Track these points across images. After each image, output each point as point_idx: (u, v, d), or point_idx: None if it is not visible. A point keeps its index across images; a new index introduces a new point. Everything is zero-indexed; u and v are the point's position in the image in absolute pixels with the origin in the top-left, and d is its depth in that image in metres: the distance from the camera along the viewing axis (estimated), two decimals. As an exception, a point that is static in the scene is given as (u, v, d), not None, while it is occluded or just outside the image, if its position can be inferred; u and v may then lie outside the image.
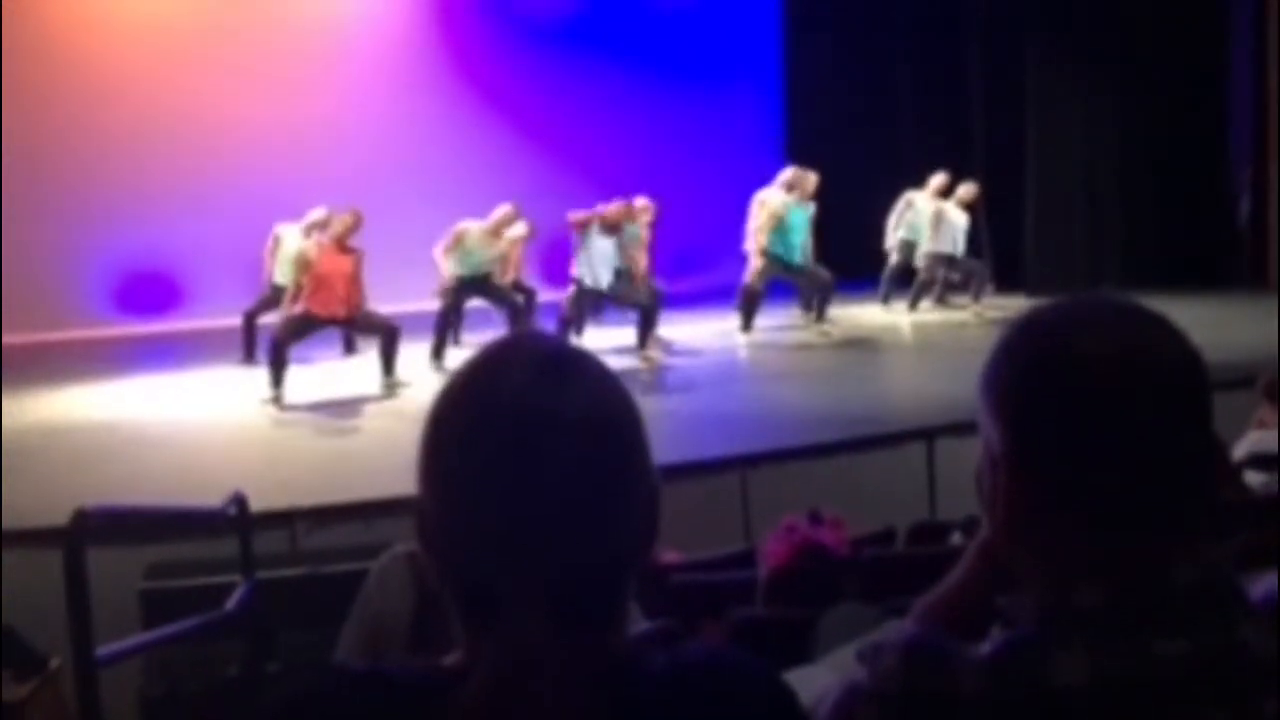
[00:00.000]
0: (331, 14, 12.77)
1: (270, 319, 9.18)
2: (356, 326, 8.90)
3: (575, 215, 9.31)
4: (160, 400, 8.43)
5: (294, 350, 8.33)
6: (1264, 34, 11.88)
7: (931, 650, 1.02)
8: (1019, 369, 1.05)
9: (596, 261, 9.27)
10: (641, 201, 10.02)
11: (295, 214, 9.70)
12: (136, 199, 11.69)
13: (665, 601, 3.07)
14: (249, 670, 4.36)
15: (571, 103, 13.11)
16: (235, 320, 9.78)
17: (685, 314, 11.00)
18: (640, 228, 9.92)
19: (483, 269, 9.42)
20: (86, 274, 11.82)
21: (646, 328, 9.51)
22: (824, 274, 10.51)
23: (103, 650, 3.17)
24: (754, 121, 14.16)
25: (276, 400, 8.03)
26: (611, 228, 9.26)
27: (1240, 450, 4.19)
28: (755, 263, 10.27)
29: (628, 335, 9.68)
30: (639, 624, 2.07)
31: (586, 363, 0.99)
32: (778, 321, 10.88)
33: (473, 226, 9.43)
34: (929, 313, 11.41)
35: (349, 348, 9.88)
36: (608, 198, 9.55)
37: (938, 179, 11.43)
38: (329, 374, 9.09)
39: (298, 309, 8.42)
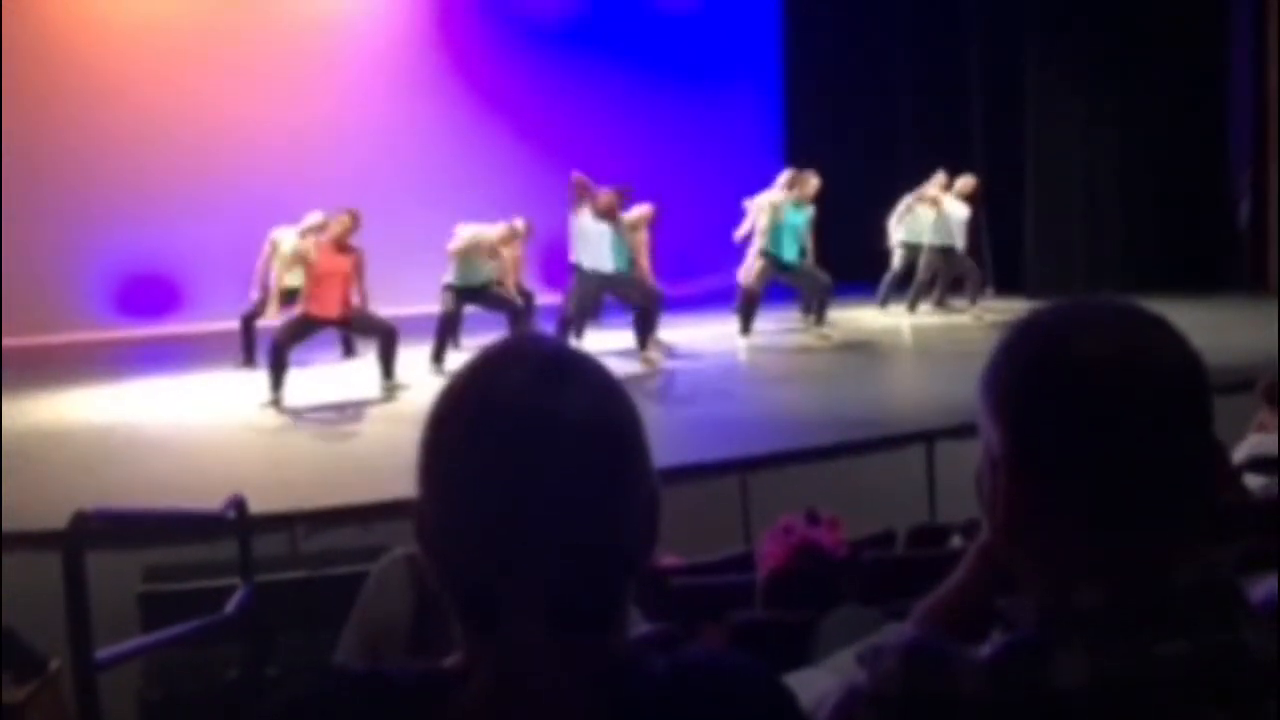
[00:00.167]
0: (331, 15, 12.77)
1: (267, 322, 9.19)
2: (354, 328, 8.90)
3: (579, 176, 9.38)
4: (160, 403, 8.42)
5: (293, 353, 8.33)
6: (1264, 35, 11.89)
7: (932, 652, 1.02)
8: (1019, 371, 1.05)
9: (593, 244, 9.28)
10: (640, 209, 10.02)
11: (295, 216, 9.66)
12: (136, 201, 11.69)
13: (665, 605, 3.07)
14: (248, 673, 4.35)
15: (571, 104, 13.11)
16: (235, 323, 9.77)
17: (685, 316, 11.00)
18: (639, 230, 9.93)
19: (482, 279, 9.45)
20: (86, 276, 11.81)
21: (646, 329, 9.51)
22: (823, 276, 10.51)
23: (102, 653, 3.17)
24: (754, 122, 14.16)
25: (276, 403, 8.03)
26: (604, 213, 9.27)
27: (1240, 454, 4.19)
28: (754, 263, 10.28)
29: (628, 338, 9.67)
30: (639, 627, 2.07)
31: (586, 365, 0.99)
32: (777, 324, 10.88)
33: (485, 237, 9.43)
34: (928, 315, 11.41)
35: (348, 350, 9.88)
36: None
37: (937, 179, 11.43)
38: (328, 377, 9.08)
39: (297, 311, 8.42)
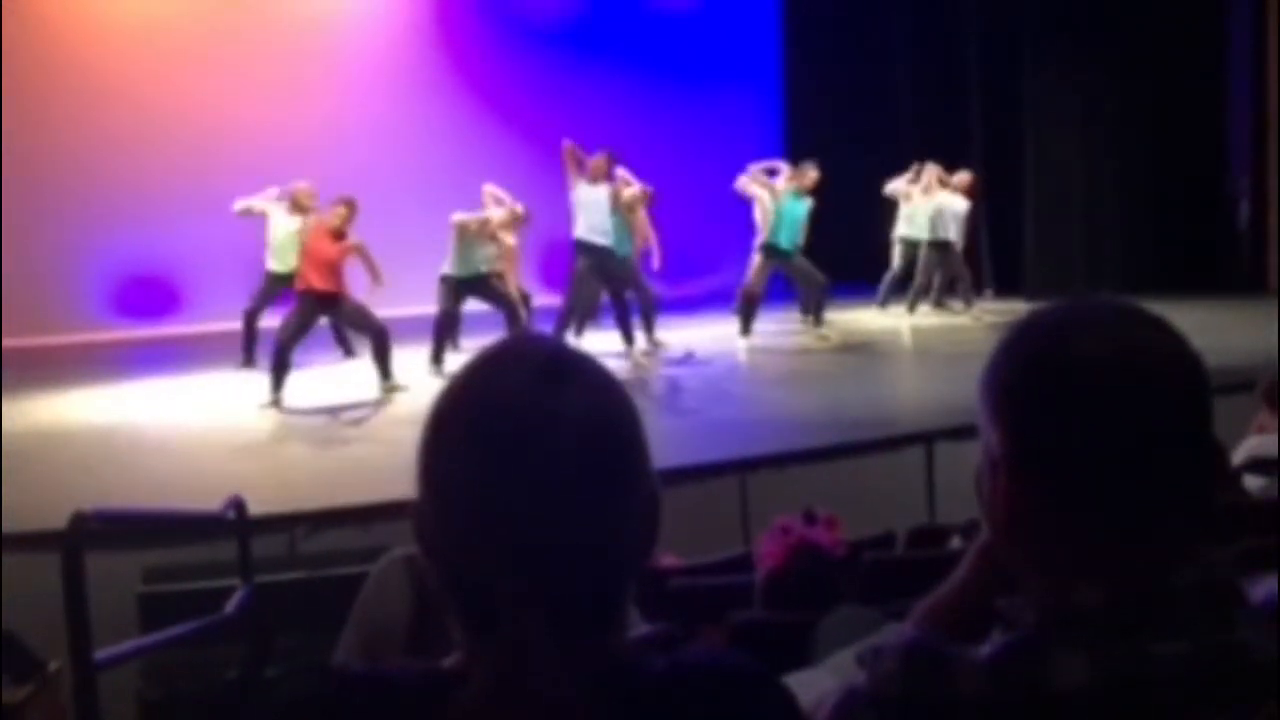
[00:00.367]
0: (331, 15, 12.78)
1: (268, 323, 9.19)
2: (345, 318, 8.82)
3: (569, 144, 9.51)
4: (159, 404, 8.42)
5: (294, 354, 8.33)
6: (1264, 35, 11.90)
7: (931, 653, 1.02)
8: (1018, 371, 1.05)
9: (590, 211, 9.30)
10: (636, 188, 9.96)
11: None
12: (136, 201, 11.69)
13: (664, 606, 3.07)
14: (248, 674, 4.34)
15: (571, 104, 13.10)
16: (235, 324, 9.76)
17: (684, 317, 11.00)
18: (636, 210, 9.93)
19: (480, 268, 9.40)
20: (86, 277, 11.82)
21: (645, 324, 9.52)
22: (819, 275, 10.52)
23: (101, 654, 3.16)
24: (754, 123, 14.16)
25: (276, 404, 8.03)
26: (597, 177, 9.34)
27: (1239, 455, 4.18)
28: (753, 259, 10.29)
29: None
30: (639, 627, 2.07)
31: (586, 365, 0.99)
32: (776, 325, 10.88)
33: (493, 219, 9.46)
34: (927, 316, 11.42)
35: (347, 351, 9.88)
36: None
37: (930, 169, 11.44)
38: (328, 378, 9.08)
39: (293, 305, 8.46)
